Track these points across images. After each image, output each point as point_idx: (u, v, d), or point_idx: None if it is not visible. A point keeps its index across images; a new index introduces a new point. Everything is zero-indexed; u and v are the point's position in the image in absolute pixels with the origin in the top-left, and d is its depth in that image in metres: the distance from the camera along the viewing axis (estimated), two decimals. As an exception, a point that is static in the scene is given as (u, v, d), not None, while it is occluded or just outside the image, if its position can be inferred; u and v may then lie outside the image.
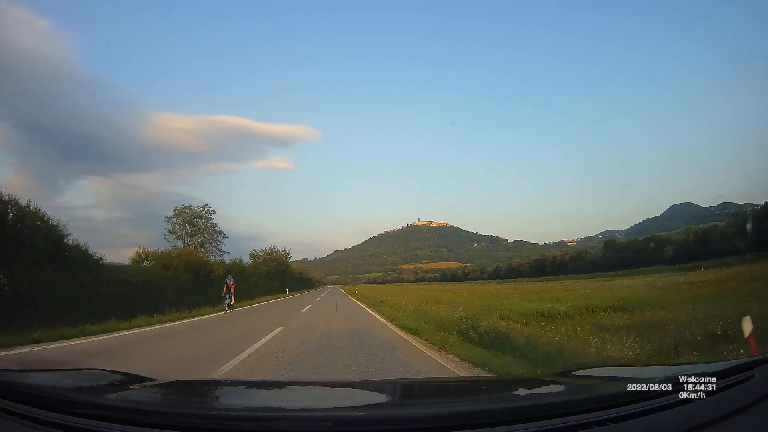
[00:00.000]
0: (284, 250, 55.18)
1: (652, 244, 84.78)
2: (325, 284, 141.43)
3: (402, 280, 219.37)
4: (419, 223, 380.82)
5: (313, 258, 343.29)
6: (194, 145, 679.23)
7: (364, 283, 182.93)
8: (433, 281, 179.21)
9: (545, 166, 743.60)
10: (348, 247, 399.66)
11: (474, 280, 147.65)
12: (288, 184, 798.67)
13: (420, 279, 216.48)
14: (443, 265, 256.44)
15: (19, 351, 7.73)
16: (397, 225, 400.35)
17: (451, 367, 6.11)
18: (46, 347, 8.37)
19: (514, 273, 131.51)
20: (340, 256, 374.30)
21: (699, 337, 6.04)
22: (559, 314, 11.60)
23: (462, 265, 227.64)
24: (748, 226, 40.83)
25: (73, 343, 9.07)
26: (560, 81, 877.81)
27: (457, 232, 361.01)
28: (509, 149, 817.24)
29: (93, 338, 9.93)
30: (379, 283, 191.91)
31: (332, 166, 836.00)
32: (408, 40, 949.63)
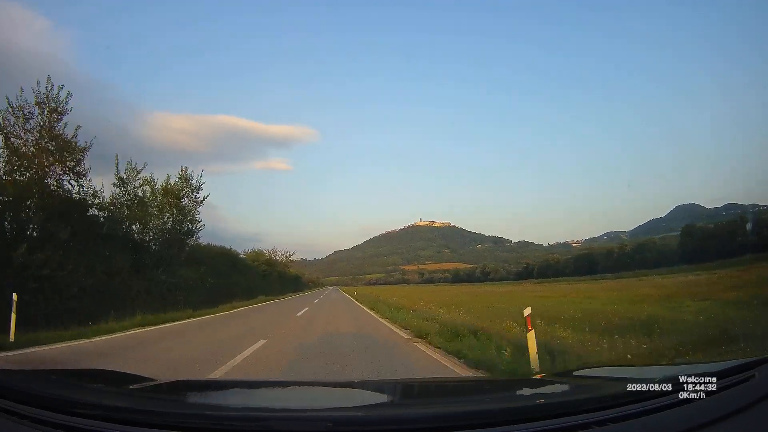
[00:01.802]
0: (191, 175, 20.35)
1: (749, 225, 60.50)
2: (323, 286, 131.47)
3: (407, 282, 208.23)
4: (421, 223, 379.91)
5: (312, 258, 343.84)
6: (192, 146, 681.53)
7: (366, 284, 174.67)
8: (444, 282, 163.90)
9: (548, 168, 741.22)
10: (348, 247, 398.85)
11: (497, 281, 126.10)
12: (286, 185, 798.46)
13: (428, 280, 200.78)
14: (448, 265, 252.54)
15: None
16: (398, 225, 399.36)
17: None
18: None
19: (552, 271, 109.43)
20: (339, 256, 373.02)
21: None
22: None
23: (469, 265, 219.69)
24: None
25: None
26: (564, 81, 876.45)
27: (460, 232, 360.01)
28: (512, 150, 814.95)
29: None
30: (381, 284, 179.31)
31: (331, 166, 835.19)
32: (409, 36, 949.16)
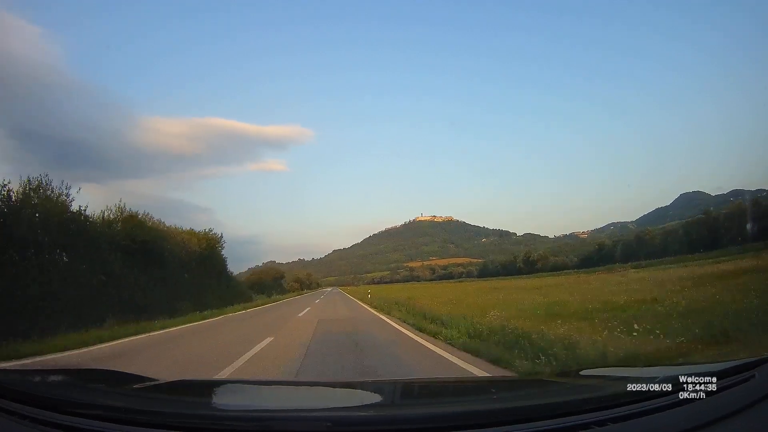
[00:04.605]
0: None
1: None
2: (321, 287, 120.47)
3: (417, 279, 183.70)
4: (422, 218, 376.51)
5: (310, 259, 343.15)
6: (187, 149, 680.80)
7: (368, 283, 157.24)
8: (467, 278, 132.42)
9: (551, 159, 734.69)
10: (347, 246, 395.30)
11: (548, 271, 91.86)
12: (283, 186, 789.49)
13: (445, 276, 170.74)
14: (457, 260, 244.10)
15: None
16: (399, 221, 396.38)
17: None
18: None
19: (645, 252, 73.24)
20: (339, 255, 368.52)
21: None
22: None
23: (478, 260, 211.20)
24: None
25: None
26: (567, 71, 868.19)
27: (463, 226, 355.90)
28: (513, 141, 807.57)
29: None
30: (386, 282, 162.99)
31: (328, 165, 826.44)
32: (405, 26, 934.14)
